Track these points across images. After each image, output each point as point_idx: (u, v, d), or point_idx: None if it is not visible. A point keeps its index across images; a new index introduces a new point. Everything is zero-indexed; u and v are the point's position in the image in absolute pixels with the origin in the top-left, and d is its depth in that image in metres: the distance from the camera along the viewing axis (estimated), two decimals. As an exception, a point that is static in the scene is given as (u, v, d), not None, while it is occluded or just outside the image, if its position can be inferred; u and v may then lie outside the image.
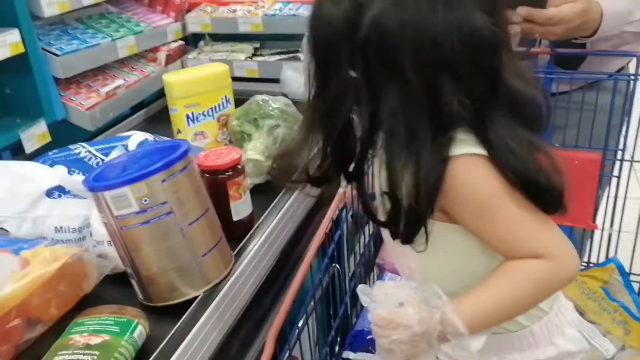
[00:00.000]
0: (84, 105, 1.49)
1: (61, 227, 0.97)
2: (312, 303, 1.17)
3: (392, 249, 0.95)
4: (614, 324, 1.48)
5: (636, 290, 1.62)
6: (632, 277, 1.62)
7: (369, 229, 1.60)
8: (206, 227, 0.94)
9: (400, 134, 0.74)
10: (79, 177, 0.99)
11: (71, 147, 1.09)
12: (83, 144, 1.09)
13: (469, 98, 0.73)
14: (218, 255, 0.96)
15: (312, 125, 0.80)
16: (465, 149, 0.74)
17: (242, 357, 1.07)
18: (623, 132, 1.54)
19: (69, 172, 1.01)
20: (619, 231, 1.65)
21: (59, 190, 0.99)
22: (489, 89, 0.74)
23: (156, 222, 0.87)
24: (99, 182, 0.87)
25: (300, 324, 1.09)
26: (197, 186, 0.93)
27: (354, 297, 1.53)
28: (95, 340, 0.79)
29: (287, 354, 1.02)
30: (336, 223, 1.29)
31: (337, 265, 1.36)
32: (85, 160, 1.06)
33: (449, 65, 0.72)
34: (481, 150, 0.75)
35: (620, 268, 1.59)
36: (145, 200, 0.85)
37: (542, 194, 0.76)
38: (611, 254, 1.67)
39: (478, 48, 0.72)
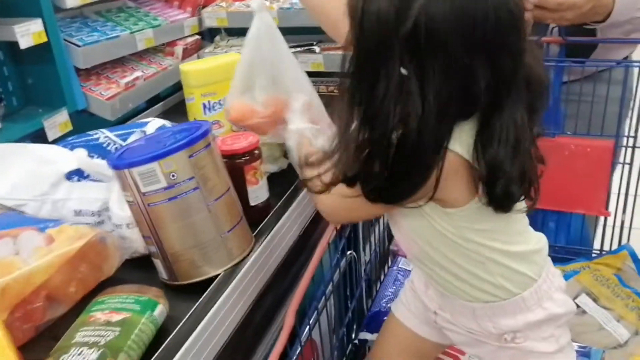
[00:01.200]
0: (104, 95, 1.49)
1: (80, 211, 0.95)
2: (330, 287, 1.16)
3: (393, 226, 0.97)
4: (627, 309, 1.45)
5: (649, 277, 1.58)
6: (644, 264, 1.59)
7: (384, 219, 1.58)
8: (229, 204, 0.93)
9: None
10: (98, 161, 0.98)
11: (90, 132, 1.08)
12: (102, 130, 1.08)
13: (494, 80, 0.72)
14: (241, 232, 0.95)
15: (354, 125, 0.77)
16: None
17: (261, 336, 1.06)
18: (634, 119, 1.50)
19: (89, 156, 1.00)
20: (632, 218, 1.61)
21: (77, 175, 0.98)
22: (512, 69, 0.73)
23: (183, 198, 0.86)
24: (124, 160, 0.85)
25: (319, 305, 1.09)
26: (219, 164, 0.93)
27: (370, 282, 1.52)
28: (116, 317, 0.78)
29: (306, 329, 1.01)
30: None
31: (354, 252, 1.35)
32: (104, 145, 1.04)
33: (486, 47, 0.71)
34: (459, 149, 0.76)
35: (633, 255, 1.55)
36: (173, 176, 0.84)
37: (501, 193, 0.78)
38: (624, 242, 1.63)
39: (509, 27, 0.72)
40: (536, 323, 0.91)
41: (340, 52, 1.85)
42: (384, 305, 1.39)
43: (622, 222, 1.61)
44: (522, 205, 0.85)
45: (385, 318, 1.34)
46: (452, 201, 0.82)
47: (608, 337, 1.40)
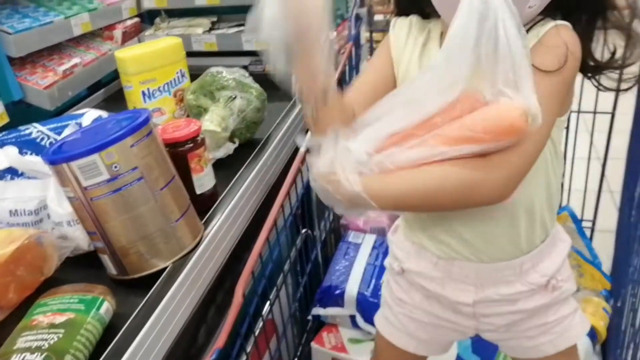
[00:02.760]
0: (41, 84, 1.40)
1: (16, 211, 0.89)
2: (288, 265, 1.14)
3: None
4: (568, 268, 1.49)
5: (588, 235, 1.64)
6: (583, 224, 1.64)
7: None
8: (176, 192, 0.90)
9: None
10: (32, 158, 0.92)
11: (21, 128, 1.01)
12: (34, 124, 1.01)
13: None
14: (190, 220, 0.92)
15: None
16: None
17: (223, 315, 1.03)
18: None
19: (21, 154, 0.93)
20: (570, 180, 1.65)
21: (10, 173, 0.91)
22: None
23: (128, 189, 0.82)
24: (62, 154, 0.80)
25: (278, 282, 1.07)
26: (162, 152, 0.89)
27: (327, 259, 1.51)
28: (59, 319, 0.74)
29: (266, 307, 1.01)
30: (307, 190, 1.26)
31: (309, 230, 1.34)
32: (38, 140, 0.98)
33: None
34: None
35: (572, 216, 1.60)
36: (116, 167, 0.80)
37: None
38: (564, 203, 1.67)
39: None
40: (565, 258, 0.90)
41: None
42: (334, 279, 1.38)
43: (562, 185, 1.65)
44: None
45: (337, 292, 1.34)
46: (570, 97, 0.79)
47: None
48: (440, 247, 0.87)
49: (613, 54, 0.78)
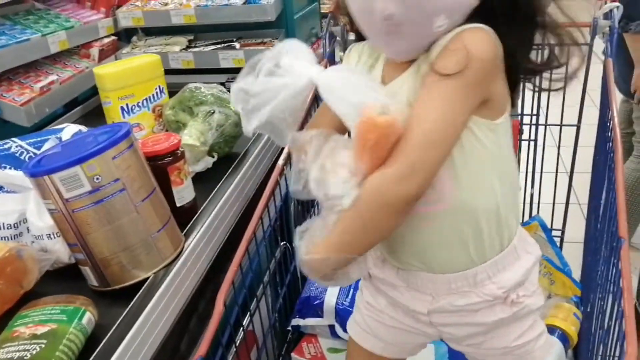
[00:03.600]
0: (17, 101, 1.40)
1: (-4, 224, 0.90)
2: (267, 277, 1.15)
3: None
4: (539, 275, 1.53)
5: (557, 244, 1.68)
6: (553, 233, 1.68)
7: (316, 211, 1.59)
8: (157, 203, 0.91)
9: None
10: (11, 172, 0.92)
11: (0, 142, 1.01)
12: (14, 138, 1.02)
13: None
14: (171, 232, 0.93)
15: None
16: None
17: (205, 323, 1.03)
18: (535, 98, 1.58)
19: (0, 168, 0.94)
20: (540, 192, 1.70)
21: (-10, 187, 0.92)
22: None
23: (109, 201, 0.83)
24: (44, 166, 0.81)
25: (258, 294, 1.09)
26: (143, 164, 0.90)
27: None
28: (41, 329, 0.75)
29: (246, 318, 1.02)
30: (285, 202, 1.27)
31: (287, 243, 1.35)
32: (17, 155, 0.98)
33: None
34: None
35: (542, 225, 1.64)
36: (98, 179, 0.81)
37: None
38: (533, 214, 1.72)
39: None
40: (529, 271, 0.88)
41: (259, 47, 1.82)
42: (313, 290, 1.40)
43: (532, 196, 1.70)
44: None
45: (316, 302, 1.35)
46: (497, 100, 0.78)
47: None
48: (396, 256, 0.89)
49: (548, 56, 0.83)
